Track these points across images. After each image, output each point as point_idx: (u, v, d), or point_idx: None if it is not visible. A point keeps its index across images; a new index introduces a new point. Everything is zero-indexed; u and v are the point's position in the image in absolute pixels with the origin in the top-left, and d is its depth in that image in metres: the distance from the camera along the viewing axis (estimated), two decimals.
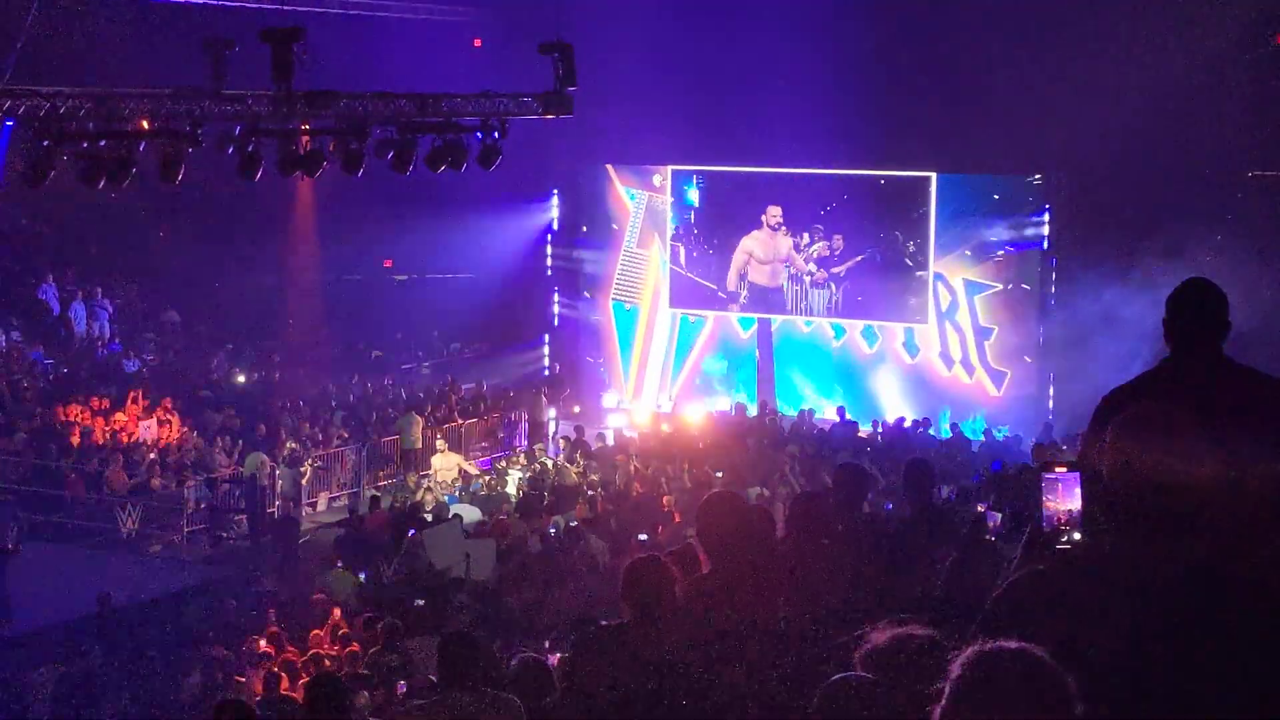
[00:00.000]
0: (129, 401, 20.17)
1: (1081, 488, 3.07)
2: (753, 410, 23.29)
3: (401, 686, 9.88)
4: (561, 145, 22.91)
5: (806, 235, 24.10)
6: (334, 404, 22.96)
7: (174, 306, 24.90)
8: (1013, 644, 2.31)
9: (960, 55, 20.96)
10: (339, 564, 15.20)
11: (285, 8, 15.00)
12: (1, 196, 17.68)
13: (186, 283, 24.69)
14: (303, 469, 18.95)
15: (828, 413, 23.19)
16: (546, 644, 10.64)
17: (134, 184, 13.08)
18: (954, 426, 21.96)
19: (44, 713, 10.98)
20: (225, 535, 18.02)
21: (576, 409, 25.50)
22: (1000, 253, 22.95)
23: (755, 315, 24.91)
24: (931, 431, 21.84)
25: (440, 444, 20.51)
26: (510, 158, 16.11)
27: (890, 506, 15.30)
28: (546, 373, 26.92)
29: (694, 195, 25.14)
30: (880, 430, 21.97)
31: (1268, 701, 2.57)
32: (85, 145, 12.77)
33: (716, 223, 24.99)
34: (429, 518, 17.48)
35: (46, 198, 16.94)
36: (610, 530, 16.15)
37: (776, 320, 24.83)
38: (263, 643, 12.12)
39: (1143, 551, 2.75)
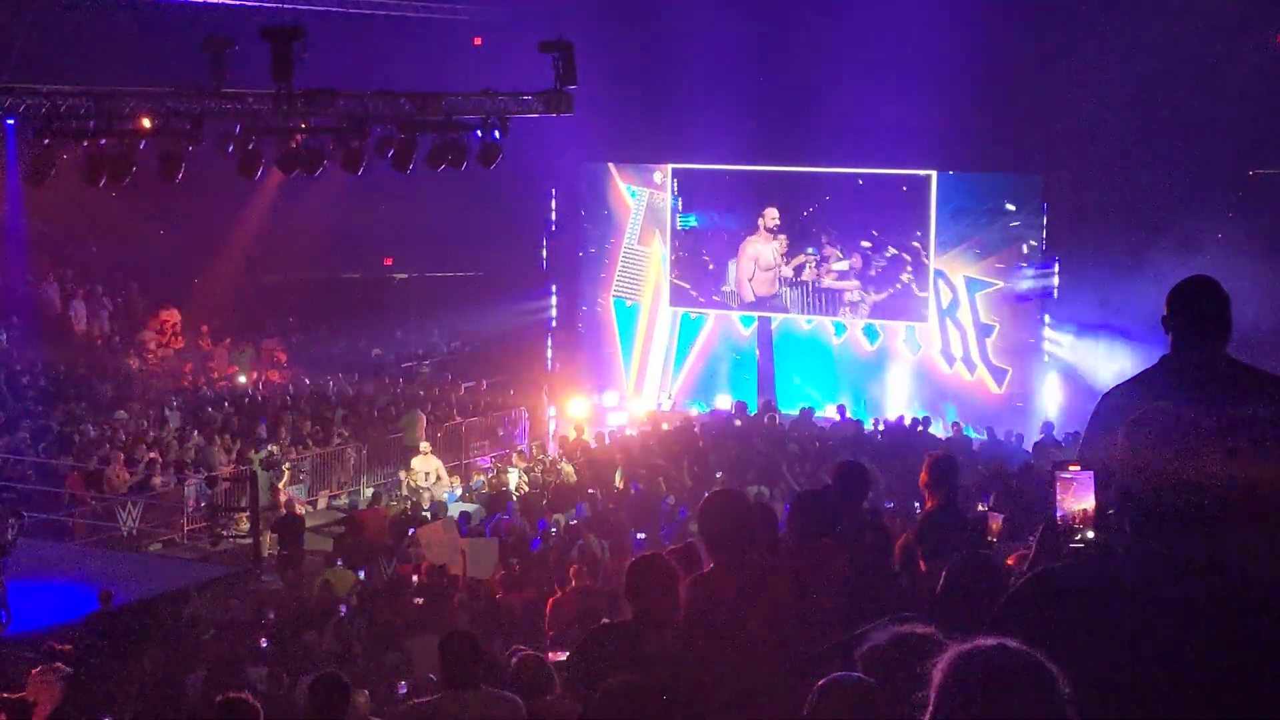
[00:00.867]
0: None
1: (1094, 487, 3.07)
2: (753, 408, 23.27)
3: (402, 686, 9.88)
4: (562, 143, 22.89)
5: (812, 249, 24.14)
6: (334, 402, 22.95)
7: (174, 304, 24.91)
8: (990, 641, 2.24)
9: (961, 54, 20.94)
10: (339, 562, 15.21)
11: (285, 6, 15.03)
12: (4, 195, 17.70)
13: (187, 281, 24.72)
14: (282, 469, 18.70)
15: (828, 411, 23.19)
16: (546, 643, 10.64)
17: (134, 182, 13.09)
18: (955, 425, 21.94)
19: (44, 711, 10.95)
20: (225, 533, 18.01)
21: (577, 407, 25.48)
22: (1001, 250, 22.94)
23: (755, 314, 24.91)
24: (933, 430, 21.82)
25: (424, 446, 20.31)
26: (510, 156, 16.11)
27: (890, 505, 15.34)
28: (546, 370, 26.91)
29: (688, 199, 25.21)
30: (881, 429, 21.96)
31: None
32: (86, 144, 12.78)
33: (712, 227, 25.02)
34: (428, 516, 17.51)
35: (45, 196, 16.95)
36: (610, 529, 16.15)
37: (776, 318, 24.84)
38: (264, 641, 12.12)
39: (1157, 550, 2.74)
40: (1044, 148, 21.43)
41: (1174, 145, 19.63)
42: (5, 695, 8.55)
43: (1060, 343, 22.24)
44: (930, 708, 2.27)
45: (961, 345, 23.45)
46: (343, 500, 20.25)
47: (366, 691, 9.66)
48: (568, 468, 19.63)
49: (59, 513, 17.55)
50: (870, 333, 24.23)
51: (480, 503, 18.70)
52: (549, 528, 16.53)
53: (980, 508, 11.10)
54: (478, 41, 24.41)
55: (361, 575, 14.76)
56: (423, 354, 26.79)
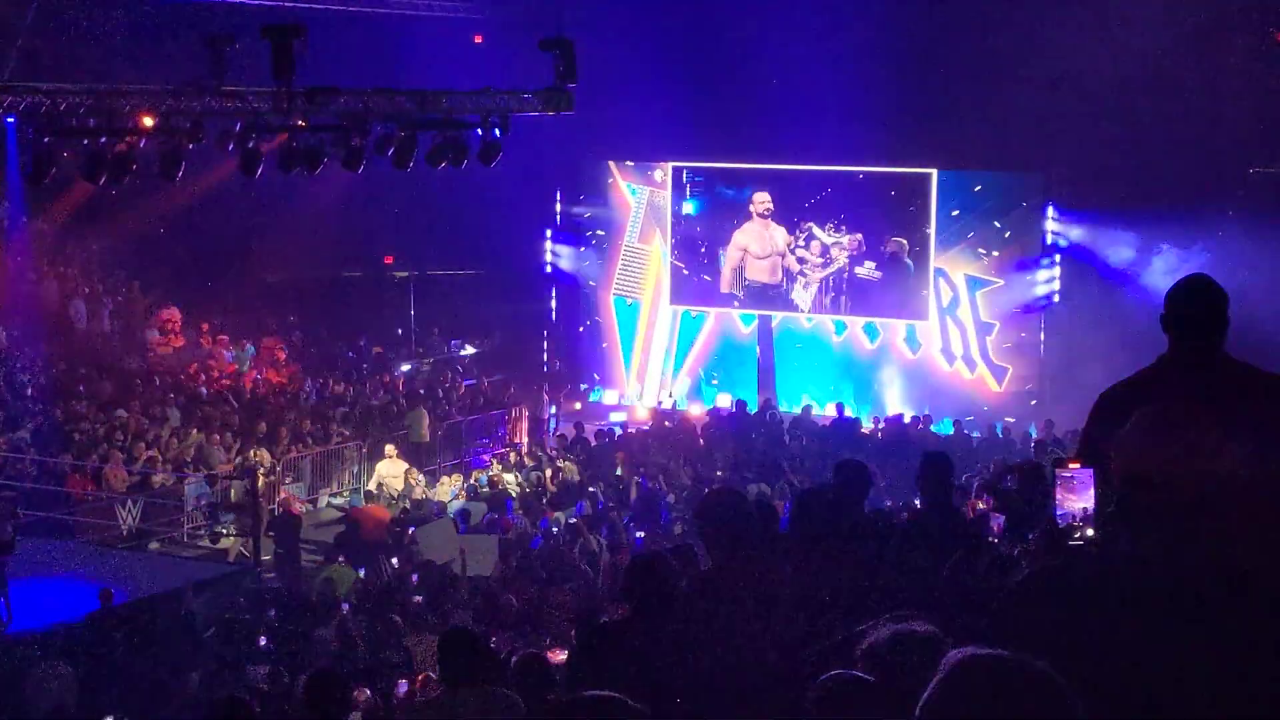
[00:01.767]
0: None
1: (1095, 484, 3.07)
2: (753, 406, 23.27)
3: (402, 685, 9.88)
4: (562, 141, 22.89)
5: (814, 226, 24.11)
6: (334, 401, 22.93)
7: (174, 303, 24.89)
8: (985, 651, 2.10)
9: (961, 53, 20.95)
10: (340, 560, 15.22)
11: (285, 4, 15.01)
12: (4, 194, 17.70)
13: (186, 279, 24.69)
14: (259, 473, 18.45)
15: (828, 409, 23.20)
16: (547, 640, 10.66)
17: (134, 179, 13.09)
18: (956, 423, 21.94)
19: (45, 711, 10.97)
20: (225, 532, 17.99)
21: (577, 405, 25.50)
22: (1001, 249, 22.94)
23: (756, 312, 24.92)
24: (934, 428, 21.83)
25: (389, 449, 19.95)
26: (511, 154, 16.10)
27: (890, 504, 15.32)
28: (547, 369, 26.91)
29: (688, 206, 25.21)
30: (880, 427, 21.95)
31: None
32: (86, 142, 12.78)
33: (711, 222, 25.02)
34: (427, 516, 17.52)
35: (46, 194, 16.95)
36: (610, 527, 16.16)
37: (776, 316, 24.84)
38: (263, 639, 12.14)
39: (1158, 548, 2.74)
40: (1045, 146, 21.42)
41: (1174, 144, 19.61)
42: None
43: (1060, 341, 22.22)
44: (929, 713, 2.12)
45: (962, 343, 23.45)
46: (343, 499, 20.22)
47: (367, 689, 9.67)
48: (570, 465, 19.64)
49: (59, 511, 17.55)
50: (870, 331, 24.23)
51: (480, 500, 18.70)
52: (550, 526, 16.55)
53: (980, 505, 11.10)
54: (478, 39, 24.41)
55: (361, 573, 14.78)
56: (423, 352, 26.78)
